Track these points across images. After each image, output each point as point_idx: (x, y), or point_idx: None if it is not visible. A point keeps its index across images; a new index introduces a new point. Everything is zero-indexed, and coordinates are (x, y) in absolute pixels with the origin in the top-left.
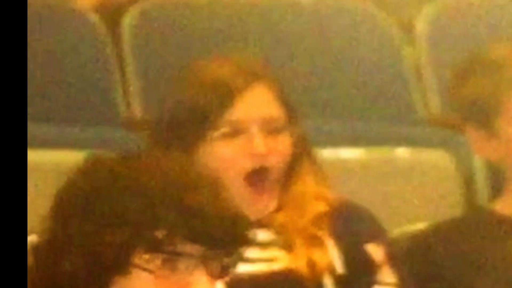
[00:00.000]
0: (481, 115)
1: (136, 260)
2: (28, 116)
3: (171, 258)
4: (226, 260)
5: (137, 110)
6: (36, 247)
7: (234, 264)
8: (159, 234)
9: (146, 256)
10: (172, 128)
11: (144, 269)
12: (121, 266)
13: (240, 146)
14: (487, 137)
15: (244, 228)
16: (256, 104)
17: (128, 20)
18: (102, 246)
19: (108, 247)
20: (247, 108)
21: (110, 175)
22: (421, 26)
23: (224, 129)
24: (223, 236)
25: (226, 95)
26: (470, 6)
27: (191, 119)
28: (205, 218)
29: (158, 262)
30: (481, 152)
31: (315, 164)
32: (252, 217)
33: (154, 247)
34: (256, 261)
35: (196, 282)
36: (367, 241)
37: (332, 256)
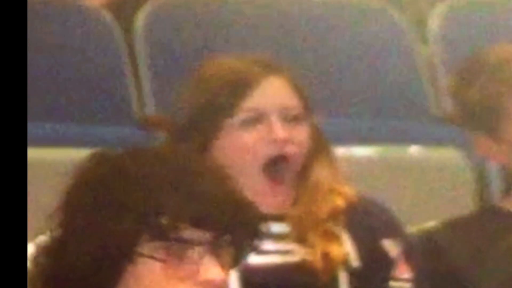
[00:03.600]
0: (485, 119)
1: (143, 248)
2: (41, 115)
3: (178, 246)
4: (235, 249)
5: (151, 108)
6: (46, 247)
7: (244, 254)
8: (163, 221)
9: (152, 244)
10: (190, 122)
11: (151, 258)
12: (127, 255)
13: (259, 133)
14: (493, 141)
15: (249, 214)
16: (274, 93)
17: (141, 18)
18: (107, 235)
19: (112, 236)
20: (265, 96)
21: (113, 166)
22: (434, 23)
23: (243, 116)
24: (227, 221)
25: (243, 84)
26: (482, 3)
27: (210, 109)
28: (208, 203)
29: (164, 250)
30: (489, 156)
31: (331, 157)
32: (269, 210)
33: (159, 235)
34: (271, 253)
35: (205, 270)
36: (383, 237)
37: (347, 250)
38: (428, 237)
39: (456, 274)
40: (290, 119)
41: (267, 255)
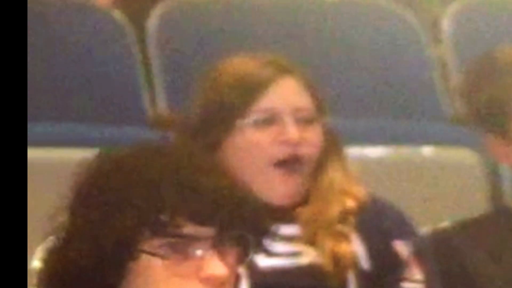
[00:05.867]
0: (495, 121)
1: (144, 245)
2: (53, 115)
3: (180, 242)
4: (240, 246)
5: (163, 109)
6: (52, 246)
7: (251, 252)
8: (163, 217)
9: (154, 241)
10: (202, 121)
11: (153, 254)
12: (129, 252)
13: (272, 134)
14: (503, 142)
15: (251, 209)
16: (286, 94)
17: (153, 18)
18: (108, 232)
19: (111, 232)
20: (278, 97)
21: (114, 164)
22: (446, 24)
23: (255, 116)
24: (228, 217)
25: (256, 85)
26: (495, 4)
27: (222, 108)
28: (208, 198)
29: (166, 247)
30: (499, 157)
31: (344, 158)
32: (282, 201)
33: (159, 231)
34: (280, 255)
35: (208, 266)
36: (394, 238)
37: (357, 252)
38: (441, 237)
39: (469, 275)
40: (303, 120)
41: (276, 258)
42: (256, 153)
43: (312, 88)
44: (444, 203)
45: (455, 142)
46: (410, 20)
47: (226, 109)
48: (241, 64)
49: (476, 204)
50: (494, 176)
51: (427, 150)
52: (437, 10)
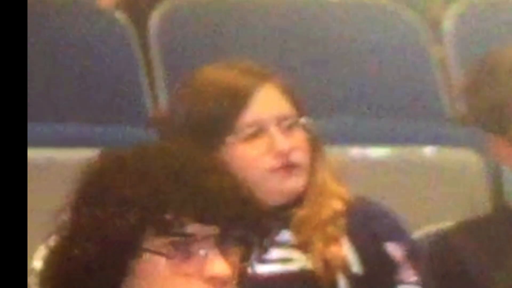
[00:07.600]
0: (497, 121)
1: (148, 244)
2: (54, 115)
3: (183, 241)
4: (243, 245)
5: (165, 109)
6: (55, 245)
7: (252, 251)
8: (168, 216)
9: (158, 240)
10: (188, 134)
11: (156, 253)
12: (132, 250)
13: (262, 147)
14: (506, 144)
15: (254, 209)
16: (268, 103)
17: (155, 18)
18: (111, 231)
19: (116, 231)
20: (261, 108)
21: (118, 162)
22: (448, 24)
23: (243, 131)
24: (232, 216)
25: (238, 99)
26: (497, 4)
27: (209, 126)
28: (212, 197)
29: (170, 245)
30: (503, 160)
31: (327, 159)
32: (285, 194)
33: (163, 230)
34: (272, 261)
35: (211, 265)
36: (385, 240)
37: (348, 256)
38: (443, 238)
39: (471, 276)
40: (287, 127)
41: (268, 264)
42: (248, 166)
43: (290, 92)
44: (446, 204)
45: (457, 143)
46: (412, 21)
47: (212, 126)
48: (219, 75)
49: (478, 204)
50: (496, 177)
51: (429, 151)
52: (439, 10)
